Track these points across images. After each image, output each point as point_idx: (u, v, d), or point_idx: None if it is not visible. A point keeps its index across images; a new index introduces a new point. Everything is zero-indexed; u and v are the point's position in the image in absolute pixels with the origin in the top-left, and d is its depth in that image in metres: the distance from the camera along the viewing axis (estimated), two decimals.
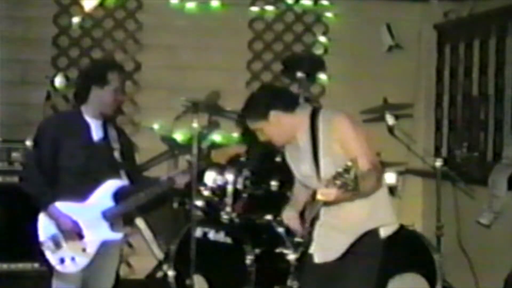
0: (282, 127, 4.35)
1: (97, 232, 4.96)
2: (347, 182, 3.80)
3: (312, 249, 4.35)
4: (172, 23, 7.52)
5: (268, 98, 4.38)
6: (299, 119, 4.36)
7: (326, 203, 4.11)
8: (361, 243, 4.27)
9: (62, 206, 4.91)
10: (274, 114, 4.33)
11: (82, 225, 4.93)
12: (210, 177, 6.30)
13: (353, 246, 4.27)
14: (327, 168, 4.18)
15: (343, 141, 4.20)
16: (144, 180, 5.29)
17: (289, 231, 5.84)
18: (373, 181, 4.16)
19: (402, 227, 6.31)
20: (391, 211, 4.44)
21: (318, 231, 4.31)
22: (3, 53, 7.21)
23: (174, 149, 6.83)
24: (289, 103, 4.39)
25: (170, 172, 5.47)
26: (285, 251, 5.95)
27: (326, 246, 4.31)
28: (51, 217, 4.91)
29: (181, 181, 5.26)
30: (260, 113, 4.34)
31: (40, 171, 4.94)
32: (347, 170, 3.79)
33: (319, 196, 3.99)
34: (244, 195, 6.24)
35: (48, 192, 4.92)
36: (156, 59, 7.54)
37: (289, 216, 4.49)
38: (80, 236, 4.92)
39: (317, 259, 4.34)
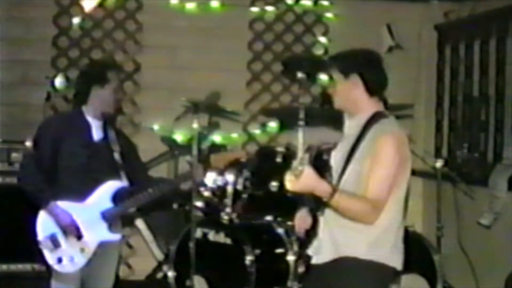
0: (351, 97, 4.02)
1: (96, 232, 4.96)
2: (295, 171, 3.66)
3: (310, 251, 4.18)
4: (172, 23, 7.50)
5: (365, 62, 4.05)
6: (367, 107, 4.03)
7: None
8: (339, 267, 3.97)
9: (62, 205, 4.92)
10: (354, 79, 4.01)
11: (81, 225, 4.94)
12: (210, 178, 6.29)
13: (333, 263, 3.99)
14: (350, 175, 3.94)
15: (373, 160, 3.87)
16: (153, 181, 5.29)
17: (288, 232, 5.86)
18: (358, 209, 3.83)
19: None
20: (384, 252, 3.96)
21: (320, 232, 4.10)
22: (3, 54, 7.20)
23: (174, 149, 6.82)
24: (376, 85, 4.04)
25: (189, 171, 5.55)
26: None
27: (319, 246, 4.10)
28: (50, 214, 4.91)
29: (199, 177, 5.41)
30: (346, 67, 4.04)
31: (38, 169, 4.95)
32: (303, 159, 3.68)
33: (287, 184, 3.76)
34: (244, 195, 6.23)
35: (46, 189, 4.93)
36: (156, 59, 7.53)
37: (299, 217, 4.34)
38: (79, 235, 4.93)
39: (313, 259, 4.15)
